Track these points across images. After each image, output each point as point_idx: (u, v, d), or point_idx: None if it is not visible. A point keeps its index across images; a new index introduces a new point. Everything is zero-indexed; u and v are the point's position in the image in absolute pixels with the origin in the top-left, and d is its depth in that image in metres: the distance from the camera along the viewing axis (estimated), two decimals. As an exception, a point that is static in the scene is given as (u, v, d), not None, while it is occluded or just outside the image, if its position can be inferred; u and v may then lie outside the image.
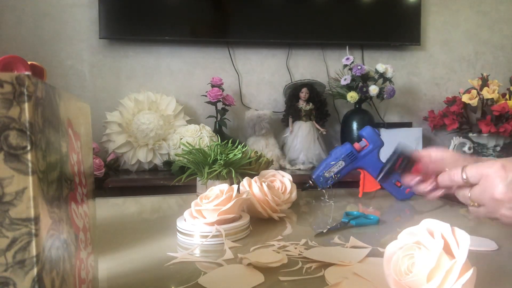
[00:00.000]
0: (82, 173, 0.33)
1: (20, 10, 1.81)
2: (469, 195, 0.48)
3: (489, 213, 0.46)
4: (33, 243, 0.21)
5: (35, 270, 0.22)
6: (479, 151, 1.92)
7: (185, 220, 0.59)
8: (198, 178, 0.89)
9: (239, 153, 0.85)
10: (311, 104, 1.86)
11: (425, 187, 0.58)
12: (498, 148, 1.88)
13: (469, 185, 0.48)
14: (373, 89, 1.77)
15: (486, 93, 1.79)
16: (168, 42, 1.92)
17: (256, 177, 0.70)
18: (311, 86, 1.85)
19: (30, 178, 0.21)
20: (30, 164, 0.21)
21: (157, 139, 1.69)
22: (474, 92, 1.81)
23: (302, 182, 0.89)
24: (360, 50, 2.08)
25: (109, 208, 0.83)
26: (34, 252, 0.21)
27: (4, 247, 0.21)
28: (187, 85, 1.95)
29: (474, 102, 1.79)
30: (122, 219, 0.74)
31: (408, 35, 2.05)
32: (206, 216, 0.57)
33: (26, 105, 0.21)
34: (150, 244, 0.56)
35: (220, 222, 0.56)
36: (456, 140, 1.86)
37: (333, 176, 0.85)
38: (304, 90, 1.83)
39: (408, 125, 1.96)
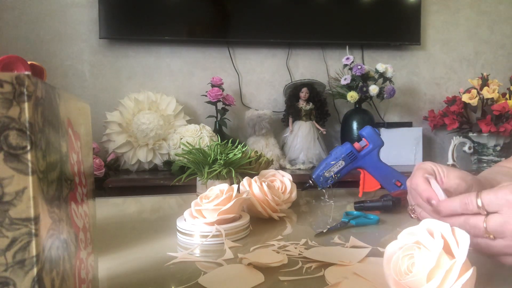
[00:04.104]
0: (82, 173, 0.33)
1: (20, 10, 1.81)
2: (484, 225, 0.39)
3: (509, 248, 0.39)
4: (33, 243, 0.21)
5: (35, 270, 0.22)
6: (479, 151, 1.92)
7: (185, 220, 0.59)
8: (198, 178, 0.89)
9: (239, 153, 0.85)
10: (311, 104, 1.86)
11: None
12: (498, 148, 1.88)
13: (484, 213, 0.40)
14: (373, 89, 1.78)
15: (486, 93, 1.79)
16: (168, 42, 1.92)
17: (256, 177, 0.70)
18: (311, 86, 1.85)
19: (30, 178, 0.21)
20: (30, 164, 0.21)
21: (157, 139, 1.69)
22: (474, 91, 1.81)
23: (302, 182, 0.89)
24: (360, 50, 2.08)
25: (109, 208, 0.83)
26: (34, 252, 0.21)
27: (4, 247, 0.21)
28: (187, 85, 1.95)
29: (474, 101, 1.79)
30: (122, 219, 0.74)
31: (408, 35, 2.05)
32: (206, 216, 0.57)
33: (26, 105, 0.21)
34: (150, 244, 0.56)
35: (220, 222, 0.56)
36: (456, 140, 1.86)
37: (333, 176, 0.84)
38: (304, 90, 1.83)
39: (408, 124, 1.96)
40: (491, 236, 0.39)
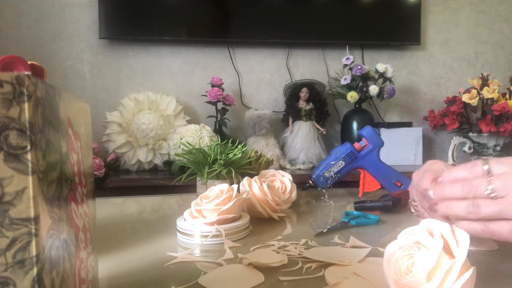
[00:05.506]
0: (82, 173, 0.33)
1: (20, 10, 1.81)
2: (488, 185, 0.38)
3: (508, 208, 0.37)
4: (33, 243, 0.21)
5: (35, 270, 0.22)
6: (479, 151, 1.92)
7: (185, 220, 0.59)
8: (198, 178, 0.89)
9: (239, 153, 0.85)
10: (311, 104, 1.86)
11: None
12: (498, 148, 1.88)
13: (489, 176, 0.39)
14: (373, 89, 1.78)
15: (486, 93, 1.79)
16: (168, 42, 1.92)
17: (256, 177, 0.70)
18: (311, 86, 1.85)
19: (30, 178, 0.21)
20: (30, 164, 0.21)
21: (157, 139, 1.69)
22: (474, 91, 1.81)
23: (302, 182, 0.89)
24: (360, 50, 2.08)
25: (109, 208, 0.83)
26: (34, 252, 0.21)
27: (4, 247, 0.21)
28: (187, 85, 1.95)
29: (474, 101, 1.79)
30: (122, 219, 0.74)
31: (408, 35, 2.05)
32: (206, 216, 0.57)
33: (26, 105, 0.21)
34: (150, 244, 0.56)
35: (220, 222, 0.56)
36: (456, 140, 1.86)
37: (333, 176, 0.85)
38: (304, 90, 1.83)
39: (408, 124, 1.96)
40: (493, 194, 0.38)
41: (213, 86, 1.80)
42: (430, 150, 2.15)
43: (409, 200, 0.53)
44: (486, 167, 0.39)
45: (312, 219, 0.71)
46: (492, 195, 0.38)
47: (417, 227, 0.37)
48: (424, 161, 1.92)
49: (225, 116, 1.83)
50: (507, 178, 0.38)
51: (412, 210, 0.52)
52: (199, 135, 1.57)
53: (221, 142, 0.91)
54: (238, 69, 1.99)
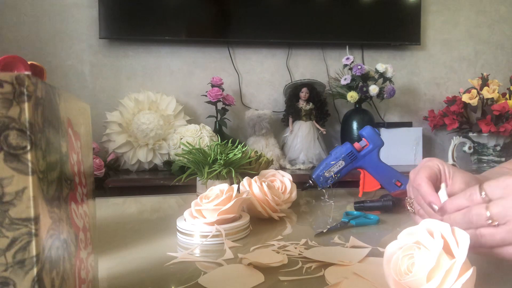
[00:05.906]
0: (82, 173, 0.33)
1: (20, 10, 1.81)
2: (487, 213, 0.38)
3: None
4: (33, 243, 0.21)
5: (35, 270, 0.22)
6: (479, 151, 1.92)
7: (185, 220, 0.59)
8: (198, 178, 0.89)
9: (239, 152, 0.85)
10: (311, 104, 1.86)
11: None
12: (498, 148, 1.88)
13: (487, 201, 0.39)
14: (373, 89, 1.78)
15: (486, 93, 1.79)
16: (168, 42, 1.92)
17: (256, 177, 0.70)
18: (311, 86, 1.85)
19: (30, 178, 0.21)
20: (30, 164, 0.21)
21: (157, 139, 1.69)
22: (474, 91, 1.81)
23: (302, 181, 0.89)
24: (360, 50, 2.08)
25: (109, 208, 0.83)
26: (34, 252, 0.21)
27: (4, 247, 0.21)
28: (187, 85, 1.95)
29: (474, 101, 1.79)
30: (122, 219, 0.74)
31: (408, 35, 2.05)
32: (206, 216, 0.57)
33: (26, 105, 0.21)
34: (150, 244, 0.56)
35: (220, 222, 0.56)
36: (456, 140, 1.86)
37: (333, 176, 0.85)
38: (304, 90, 1.83)
39: (408, 124, 1.96)
40: (495, 223, 0.38)
41: (213, 86, 1.80)
42: (430, 150, 2.15)
43: (406, 197, 0.53)
44: (483, 193, 0.40)
45: (312, 219, 0.71)
46: (495, 223, 0.38)
47: (417, 227, 0.36)
48: (424, 161, 1.91)
49: (225, 116, 1.83)
50: (505, 203, 0.37)
51: (408, 207, 0.52)
52: (199, 135, 1.57)
53: (221, 142, 0.91)
54: (238, 69, 1.99)
